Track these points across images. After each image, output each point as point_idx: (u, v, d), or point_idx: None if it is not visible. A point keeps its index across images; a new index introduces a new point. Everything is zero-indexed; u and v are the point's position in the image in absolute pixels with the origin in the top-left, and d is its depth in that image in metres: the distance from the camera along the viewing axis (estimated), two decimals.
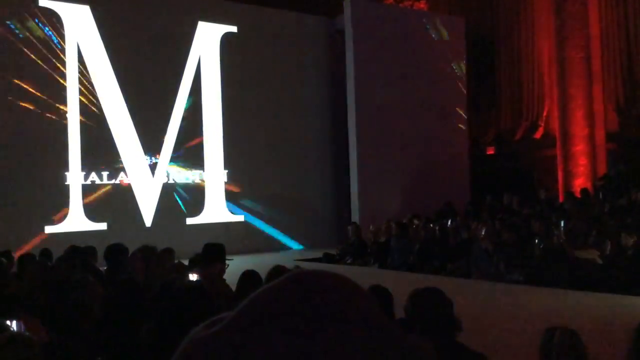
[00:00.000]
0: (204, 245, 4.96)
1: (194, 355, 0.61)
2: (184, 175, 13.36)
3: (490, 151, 16.95)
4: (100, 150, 12.42)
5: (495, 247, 9.48)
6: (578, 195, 12.63)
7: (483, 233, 9.84)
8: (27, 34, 11.67)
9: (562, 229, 9.61)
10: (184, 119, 13.31)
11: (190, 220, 13.25)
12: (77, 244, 6.69)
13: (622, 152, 14.05)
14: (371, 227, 12.49)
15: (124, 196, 12.56)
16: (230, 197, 13.94)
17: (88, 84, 12.23)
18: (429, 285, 3.22)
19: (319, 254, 12.64)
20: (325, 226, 15.17)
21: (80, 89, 12.14)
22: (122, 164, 12.57)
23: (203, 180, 13.59)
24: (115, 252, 5.73)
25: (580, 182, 14.12)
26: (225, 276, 4.95)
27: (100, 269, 6.04)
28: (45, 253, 7.08)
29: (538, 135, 15.90)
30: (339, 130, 15.27)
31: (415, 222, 12.26)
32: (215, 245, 4.88)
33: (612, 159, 14.16)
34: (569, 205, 11.42)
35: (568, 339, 3.00)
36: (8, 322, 3.14)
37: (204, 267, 4.65)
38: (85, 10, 12.18)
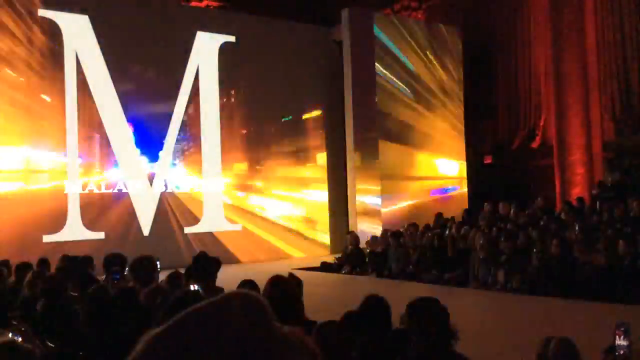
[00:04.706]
0: (197, 258, 4.98)
1: (145, 348, 0.74)
2: (182, 185, 13.37)
3: (488, 160, 16.98)
4: (99, 159, 12.45)
5: (493, 256, 9.50)
6: (574, 203, 12.64)
7: (481, 242, 9.86)
8: (26, 43, 11.70)
9: (576, 231, 9.63)
10: (182, 128, 13.35)
11: (188, 230, 13.25)
12: (75, 253, 6.69)
13: (619, 161, 14.08)
14: (369, 236, 12.52)
15: (122, 205, 12.56)
16: (228, 206, 13.95)
17: (87, 93, 12.26)
18: (427, 294, 3.24)
19: (316, 262, 12.65)
20: (323, 235, 15.18)
21: (78, 99, 12.17)
22: (120, 173, 12.59)
23: (201, 190, 13.60)
24: (114, 261, 5.73)
25: (577, 191, 14.14)
26: (223, 284, 4.96)
27: (99, 278, 6.04)
28: (43, 262, 7.07)
29: (535, 144, 15.93)
30: (336, 139, 15.30)
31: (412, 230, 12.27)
32: (208, 258, 4.93)
33: (609, 168, 14.19)
34: (566, 214, 11.43)
35: (564, 349, 3.02)
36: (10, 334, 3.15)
37: (202, 278, 4.66)
38: (84, 20, 12.22)
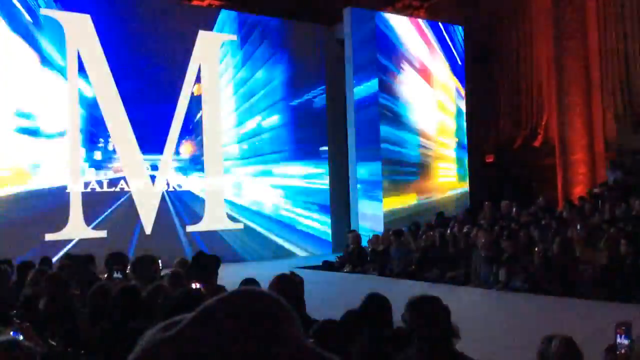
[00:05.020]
0: (195, 257, 4.99)
1: (148, 356, 0.69)
2: (184, 183, 13.38)
3: (490, 159, 16.98)
4: (101, 158, 12.46)
5: (495, 255, 9.50)
6: (576, 202, 12.64)
7: (482, 241, 9.86)
8: (28, 42, 11.71)
9: (578, 230, 9.64)
10: (184, 126, 13.36)
11: (190, 228, 13.27)
12: (77, 252, 6.70)
13: (621, 161, 14.07)
14: (370, 235, 12.54)
15: (124, 204, 12.58)
16: (230, 204, 13.96)
17: (88, 92, 12.27)
18: (428, 293, 3.24)
19: (318, 261, 12.65)
20: (325, 233, 15.19)
21: (80, 97, 12.19)
22: (122, 171, 12.60)
23: (203, 188, 13.61)
24: (116, 260, 5.75)
25: (579, 190, 14.13)
26: (225, 283, 4.96)
27: (101, 277, 6.05)
28: (45, 261, 7.09)
29: (537, 143, 15.92)
30: (338, 137, 15.31)
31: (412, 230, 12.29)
32: (207, 257, 4.93)
33: (611, 167, 14.18)
34: (568, 213, 11.43)
35: (565, 347, 3.02)
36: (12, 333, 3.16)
37: (203, 278, 4.66)
38: (86, 19, 12.24)
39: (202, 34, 13.62)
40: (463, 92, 16.45)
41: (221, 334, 0.69)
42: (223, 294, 0.75)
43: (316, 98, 15.34)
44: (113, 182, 12.51)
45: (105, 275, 5.89)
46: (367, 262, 11.80)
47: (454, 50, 16.38)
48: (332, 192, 15.38)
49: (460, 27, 16.62)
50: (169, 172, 13.17)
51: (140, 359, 0.70)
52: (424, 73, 15.75)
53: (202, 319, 0.72)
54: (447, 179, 16.10)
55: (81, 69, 12.18)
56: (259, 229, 14.26)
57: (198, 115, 13.61)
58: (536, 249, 9.20)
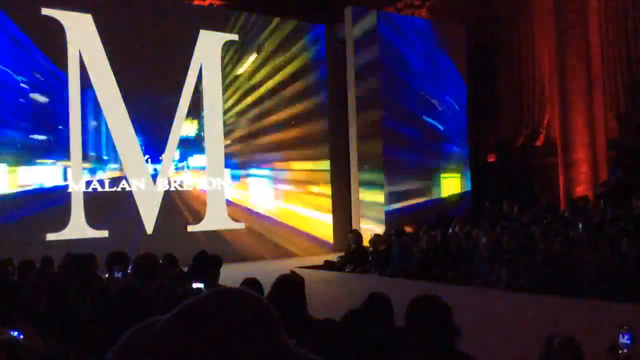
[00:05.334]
0: (197, 256, 4.98)
1: (125, 357, 0.65)
2: (185, 183, 13.39)
3: (491, 158, 16.96)
4: (102, 157, 12.47)
5: (496, 254, 9.48)
6: (578, 202, 12.62)
7: (484, 241, 9.85)
8: (29, 42, 11.71)
9: (580, 230, 9.64)
10: (185, 126, 13.36)
11: (191, 228, 13.27)
12: (78, 251, 6.69)
13: (623, 160, 14.05)
14: (372, 235, 12.53)
15: (126, 203, 12.58)
16: (231, 204, 13.96)
17: (90, 91, 12.27)
18: (430, 293, 3.23)
19: (319, 261, 12.64)
20: (327, 233, 15.18)
21: (82, 97, 12.19)
22: (124, 171, 12.61)
23: (204, 188, 13.61)
24: (117, 260, 5.74)
25: (581, 190, 14.11)
26: (226, 283, 4.96)
27: (102, 276, 6.04)
28: (47, 261, 7.08)
29: (539, 142, 15.91)
30: (340, 138, 15.30)
31: (410, 230, 12.28)
32: (208, 256, 4.92)
33: (613, 167, 14.16)
34: (569, 212, 11.42)
35: (567, 347, 3.01)
36: (12, 332, 3.15)
37: (205, 278, 4.66)
38: (88, 19, 12.24)
39: (203, 34, 13.62)
40: (464, 92, 16.44)
41: (199, 334, 0.68)
42: (201, 294, 0.74)
43: (317, 97, 15.34)
44: (114, 182, 12.52)
45: (106, 275, 5.88)
46: (368, 262, 11.79)
47: (455, 49, 16.35)
48: (334, 191, 15.37)
49: (461, 26, 16.60)
50: (171, 172, 13.17)
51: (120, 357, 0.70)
52: (426, 72, 15.74)
53: (180, 320, 0.71)
54: (449, 179, 16.09)
55: (82, 68, 12.17)
56: (260, 228, 14.27)
57: (200, 115, 13.62)
58: (538, 248, 9.18)
